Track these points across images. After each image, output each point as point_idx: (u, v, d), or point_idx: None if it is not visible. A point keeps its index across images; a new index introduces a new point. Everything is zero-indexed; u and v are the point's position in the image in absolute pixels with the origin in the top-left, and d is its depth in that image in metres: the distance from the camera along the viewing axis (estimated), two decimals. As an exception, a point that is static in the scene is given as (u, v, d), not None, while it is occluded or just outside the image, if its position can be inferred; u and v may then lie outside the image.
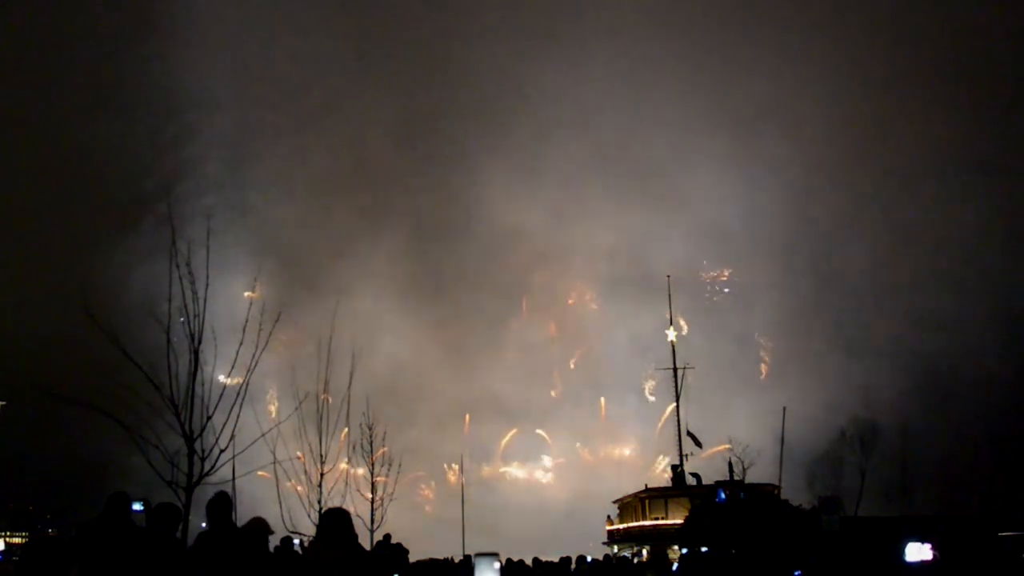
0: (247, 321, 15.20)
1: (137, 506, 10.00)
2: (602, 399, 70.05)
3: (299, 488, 21.34)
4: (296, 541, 18.88)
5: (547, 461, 70.37)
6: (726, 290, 71.20)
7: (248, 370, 14.99)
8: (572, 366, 72.32)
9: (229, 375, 14.94)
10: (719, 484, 41.80)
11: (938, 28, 62.45)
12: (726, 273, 72.03)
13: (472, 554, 25.85)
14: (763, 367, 65.28)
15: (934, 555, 23.08)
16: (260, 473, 21.29)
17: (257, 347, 14.99)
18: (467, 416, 69.95)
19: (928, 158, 62.15)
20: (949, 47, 61.85)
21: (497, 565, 22.88)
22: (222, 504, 8.04)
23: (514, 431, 70.32)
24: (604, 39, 70.03)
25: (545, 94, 70.75)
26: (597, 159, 70.44)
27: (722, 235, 69.25)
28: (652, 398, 65.36)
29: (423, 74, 72.49)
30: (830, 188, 66.39)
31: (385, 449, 26.67)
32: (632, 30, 69.19)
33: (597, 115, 71.03)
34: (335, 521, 7.72)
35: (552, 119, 71.06)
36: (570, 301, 73.99)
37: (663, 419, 57.24)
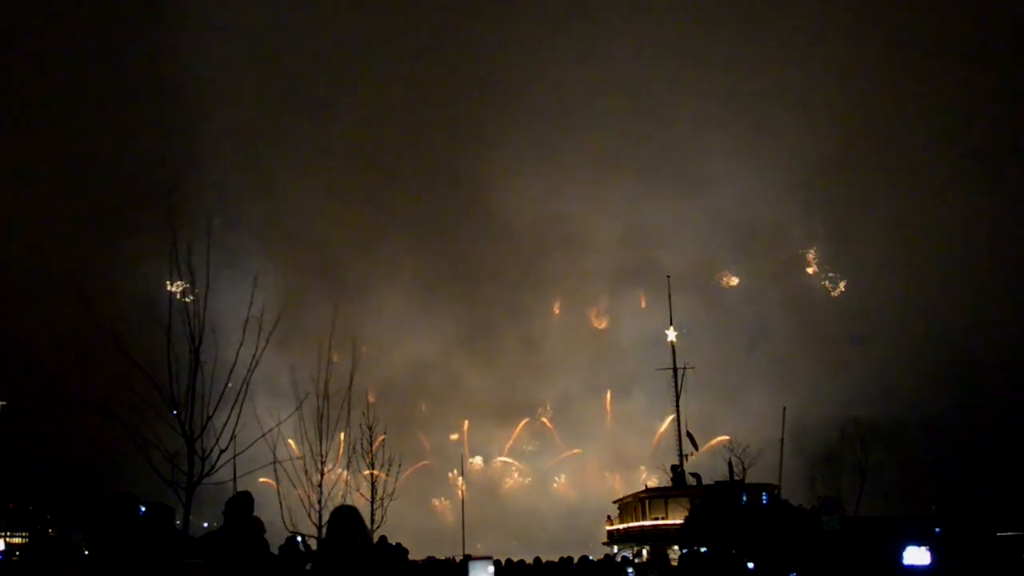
0: (247, 321, 15.20)
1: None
2: (608, 396, 69.81)
3: (299, 489, 21.29)
4: (299, 539, 18.85)
5: (550, 460, 70.22)
6: (734, 283, 70.76)
7: (249, 370, 15.00)
8: (577, 363, 72.07)
9: (229, 377, 14.93)
10: (720, 484, 41.81)
11: (954, 11, 62.01)
12: (733, 270, 71.58)
13: (467, 557, 25.82)
14: (766, 365, 64.87)
15: (932, 557, 23.10)
16: (263, 480, 21.18)
17: (258, 347, 15.00)
18: (469, 414, 69.79)
19: (945, 144, 61.25)
20: (965, 31, 61.25)
21: (491, 569, 22.89)
22: (243, 504, 7.91)
23: (518, 430, 70.20)
24: (617, 28, 69.92)
25: (556, 86, 70.88)
26: (609, 150, 70.37)
27: (731, 227, 69.02)
28: (657, 397, 65.07)
29: (431, 68, 72.23)
30: (842, 176, 66.05)
31: (384, 446, 26.41)
32: (646, 18, 69.10)
33: (608, 107, 70.91)
34: (345, 519, 7.84)
35: (562, 112, 71.11)
36: (575, 295, 73.78)
37: (666, 419, 57.20)
